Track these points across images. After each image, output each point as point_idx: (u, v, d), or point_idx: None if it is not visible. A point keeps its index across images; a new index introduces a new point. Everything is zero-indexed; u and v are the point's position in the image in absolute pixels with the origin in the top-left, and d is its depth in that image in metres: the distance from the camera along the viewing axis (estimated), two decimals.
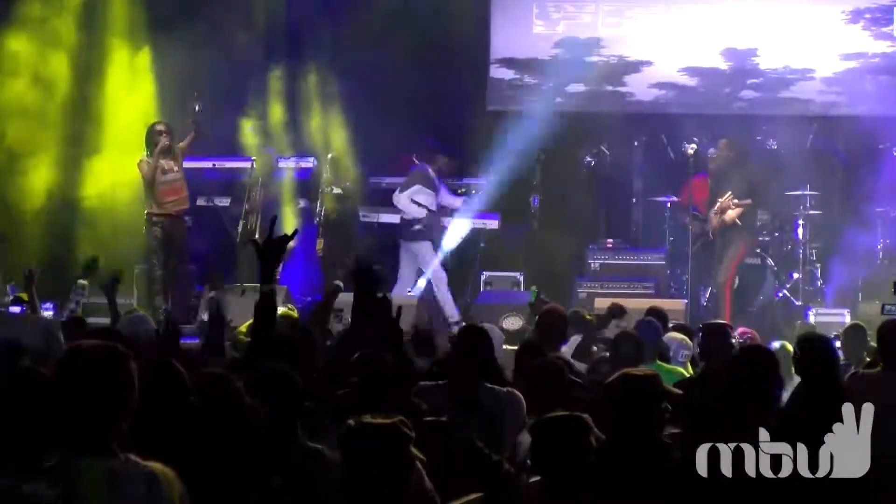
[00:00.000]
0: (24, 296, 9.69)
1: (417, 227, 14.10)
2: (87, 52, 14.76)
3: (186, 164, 14.82)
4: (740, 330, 10.38)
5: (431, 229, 14.17)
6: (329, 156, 14.83)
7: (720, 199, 13.70)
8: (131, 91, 14.91)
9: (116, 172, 14.42)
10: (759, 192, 13.96)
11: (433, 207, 14.13)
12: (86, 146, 14.61)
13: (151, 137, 13.19)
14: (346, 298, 8.72)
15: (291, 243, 6.19)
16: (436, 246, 14.17)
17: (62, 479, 3.60)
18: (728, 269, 13.82)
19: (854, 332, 9.72)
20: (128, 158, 14.03)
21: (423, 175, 14.18)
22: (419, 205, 14.05)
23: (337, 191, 14.93)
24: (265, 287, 5.95)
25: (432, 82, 15.32)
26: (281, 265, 6.05)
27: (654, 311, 9.81)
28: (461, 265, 14.97)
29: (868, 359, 8.64)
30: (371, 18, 15.24)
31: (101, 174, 14.51)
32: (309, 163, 14.93)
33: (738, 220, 13.72)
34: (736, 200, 13.70)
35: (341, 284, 9.30)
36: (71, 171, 14.55)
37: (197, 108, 13.40)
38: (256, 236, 12.89)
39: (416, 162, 14.38)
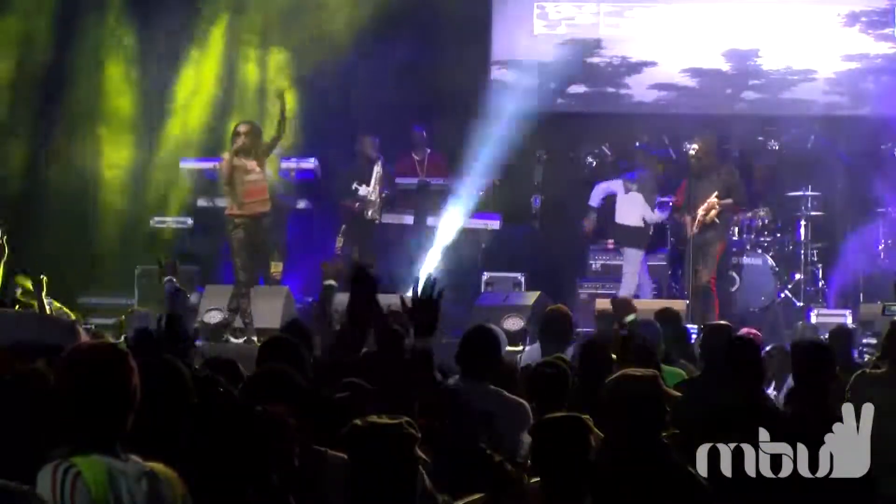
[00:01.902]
0: (33, 302, 9.65)
1: (641, 232, 14.16)
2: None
3: (185, 165, 14.87)
4: (744, 330, 10.37)
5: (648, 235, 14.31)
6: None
7: (708, 200, 13.61)
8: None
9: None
10: (737, 192, 13.88)
11: None
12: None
13: (233, 137, 12.82)
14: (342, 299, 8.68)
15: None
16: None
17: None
18: (711, 269, 13.74)
19: (838, 336, 9.72)
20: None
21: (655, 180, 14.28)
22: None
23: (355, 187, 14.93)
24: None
25: (433, 83, 15.31)
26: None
27: (665, 312, 9.79)
28: (462, 266, 14.98)
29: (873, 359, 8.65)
30: (372, 19, 15.23)
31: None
32: (310, 163, 14.93)
33: (717, 220, 13.67)
34: (713, 200, 13.63)
35: (335, 284, 9.25)
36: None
37: (283, 103, 13.00)
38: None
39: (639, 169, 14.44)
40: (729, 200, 13.66)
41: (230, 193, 12.70)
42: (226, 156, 12.76)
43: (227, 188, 12.79)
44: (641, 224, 14.18)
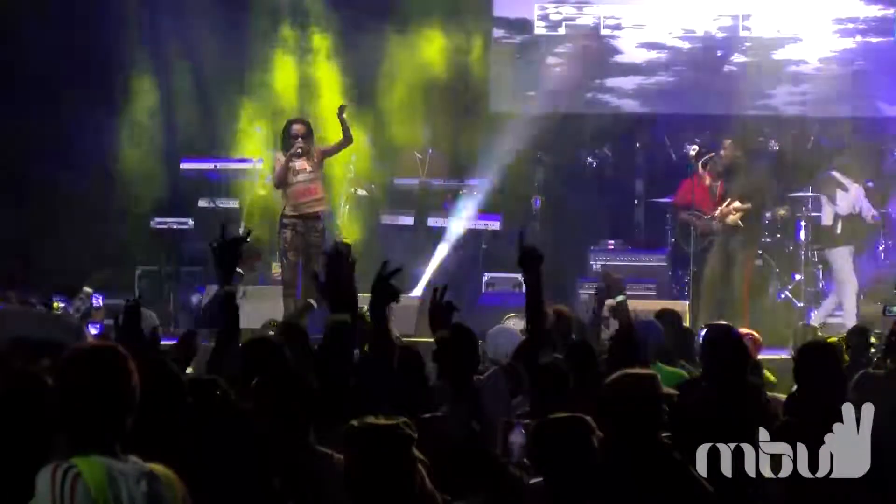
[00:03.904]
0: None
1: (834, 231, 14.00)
2: None
3: (186, 166, 14.86)
4: (741, 332, 10.35)
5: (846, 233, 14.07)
6: (353, 156, 14.77)
7: (720, 207, 13.60)
8: None
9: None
10: (763, 194, 13.88)
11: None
12: None
13: (287, 135, 12.49)
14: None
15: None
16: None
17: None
18: (743, 276, 13.71)
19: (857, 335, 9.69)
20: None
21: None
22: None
23: (361, 192, 14.90)
24: (223, 290, 5.83)
25: (434, 84, 15.33)
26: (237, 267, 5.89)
27: (664, 313, 9.78)
28: (463, 266, 14.98)
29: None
30: (375, 18, 15.28)
31: None
32: None
33: (739, 223, 13.62)
34: (737, 205, 13.60)
35: (314, 303, 9.27)
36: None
37: (343, 111, 12.74)
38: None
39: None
40: (748, 205, 13.60)
41: (283, 194, 12.49)
42: (279, 157, 12.49)
43: (278, 190, 12.58)
44: (829, 222, 14.08)
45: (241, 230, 13.04)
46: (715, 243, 13.72)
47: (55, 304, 10.54)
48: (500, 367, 6.74)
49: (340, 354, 5.47)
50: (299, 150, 12.33)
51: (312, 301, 9.50)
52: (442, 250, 14.70)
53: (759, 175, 14.04)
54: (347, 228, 14.53)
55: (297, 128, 12.50)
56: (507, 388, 6.53)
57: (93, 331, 11.11)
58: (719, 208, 13.58)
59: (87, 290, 10.38)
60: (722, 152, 13.81)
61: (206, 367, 5.86)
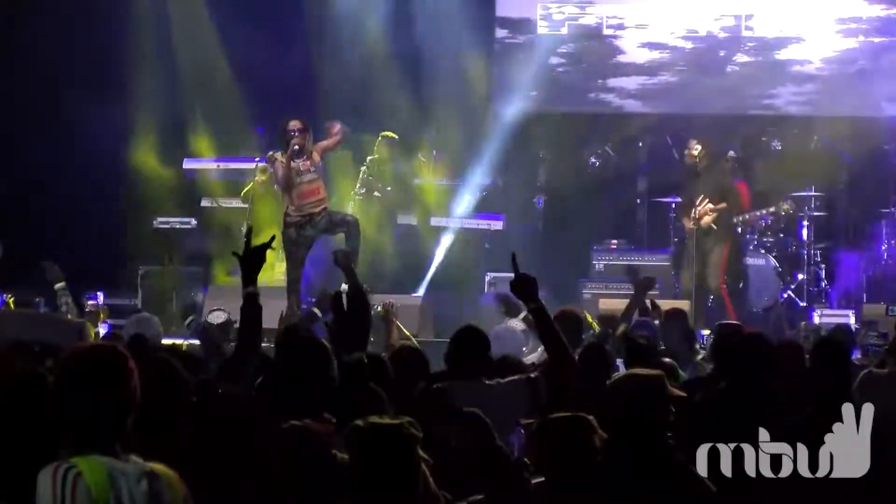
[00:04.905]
0: None
1: None
2: None
3: (189, 165, 14.87)
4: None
5: None
6: (368, 158, 14.74)
7: (697, 207, 13.65)
8: None
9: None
10: (730, 194, 13.90)
11: None
12: None
13: (284, 136, 12.38)
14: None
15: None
16: None
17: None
18: (717, 274, 13.74)
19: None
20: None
21: None
22: None
23: (376, 194, 14.88)
24: (248, 290, 5.91)
25: (437, 83, 15.34)
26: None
27: (673, 312, 9.77)
28: (465, 266, 14.99)
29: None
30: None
31: None
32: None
33: (713, 225, 13.68)
34: (710, 206, 13.65)
35: (318, 312, 9.27)
36: None
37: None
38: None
39: None
40: (723, 205, 13.67)
41: (285, 196, 12.41)
42: (279, 157, 12.36)
43: (282, 191, 12.49)
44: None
45: (243, 228, 13.05)
46: (688, 245, 13.79)
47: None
48: (526, 377, 6.69)
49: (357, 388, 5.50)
50: (296, 148, 12.26)
51: (317, 311, 9.52)
52: (442, 251, 14.70)
53: (725, 175, 14.07)
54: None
55: (293, 124, 12.39)
56: (526, 400, 6.49)
57: (101, 330, 11.14)
58: (695, 210, 13.63)
59: (61, 285, 10.35)
60: (686, 152, 13.86)
61: (217, 371, 5.88)
